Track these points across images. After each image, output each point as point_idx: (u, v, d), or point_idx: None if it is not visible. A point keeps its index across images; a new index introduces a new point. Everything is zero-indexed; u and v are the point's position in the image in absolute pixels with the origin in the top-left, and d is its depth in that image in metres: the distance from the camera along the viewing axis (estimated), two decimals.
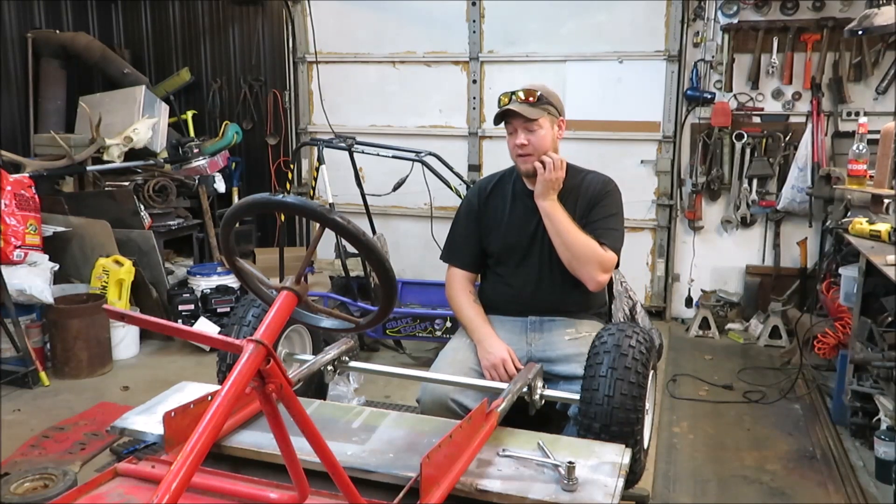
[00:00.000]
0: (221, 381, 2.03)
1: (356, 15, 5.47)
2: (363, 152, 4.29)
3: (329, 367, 2.27)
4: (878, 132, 3.48)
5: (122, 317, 1.45)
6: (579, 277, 2.35)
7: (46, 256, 4.17)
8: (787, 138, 4.81)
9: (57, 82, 5.46)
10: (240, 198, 5.82)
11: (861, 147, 3.44)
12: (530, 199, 2.40)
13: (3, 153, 4.40)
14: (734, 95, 4.86)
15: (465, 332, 2.48)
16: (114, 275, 4.27)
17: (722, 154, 4.91)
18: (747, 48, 4.79)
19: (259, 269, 1.98)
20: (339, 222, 1.44)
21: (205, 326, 4.38)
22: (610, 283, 2.55)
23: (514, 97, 2.34)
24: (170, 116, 5.63)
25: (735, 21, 4.77)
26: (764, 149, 4.86)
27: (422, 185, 4.31)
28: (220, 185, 5.41)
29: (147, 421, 1.93)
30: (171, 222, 5.02)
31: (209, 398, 1.78)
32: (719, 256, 5.13)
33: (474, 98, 5.33)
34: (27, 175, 4.33)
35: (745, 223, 5.01)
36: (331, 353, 2.27)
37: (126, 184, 4.83)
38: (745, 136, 4.83)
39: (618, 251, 2.39)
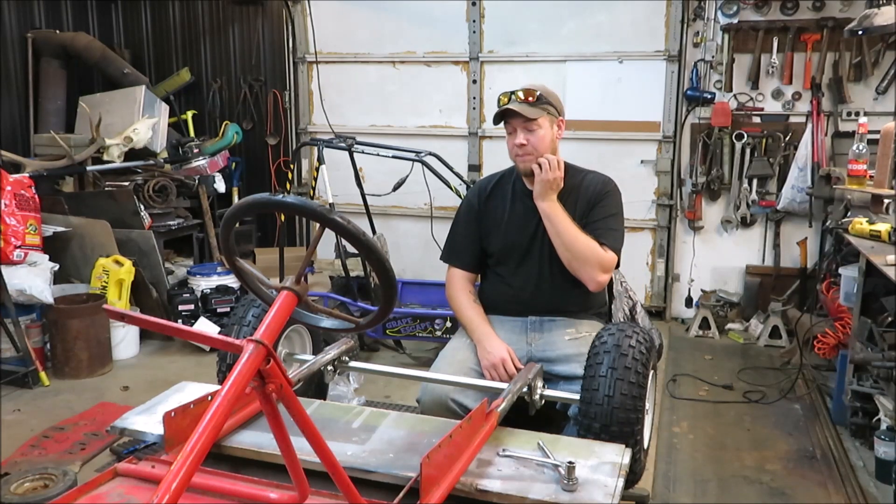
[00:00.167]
0: (221, 381, 2.03)
1: (356, 15, 5.47)
2: (363, 152, 4.29)
3: (329, 367, 2.27)
4: (878, 132, 3.48)
5: (122, 317, 1.45)
6: (579, 278, 2.35)
7: (46, 256, 4.16)
8: (787, 138, 4.81)
9: (57, 82, 5.46)
10: (240, 198, 5.82)
11: (861, 147, 3.44)
12: (530, 199, 2.40)
13: (3, 153, 4.40)
14: (734, 95, 4.86)
15: (465, 332, 2.48)
16: (114, 275, 4.27)
17: (722, 154, 4.91)
18: (747, 48, 4.79)
19: (259, 269, 1.99)
20: (339, 222, 1.44)
21: (205, 326, 4.38)
22: (610, 283, 2.55)
23: (513, 97, 2.35)
24: (170, 116, 5.63)
25: (735, 21, 4.77)
26: (764, 149, 4.86)
27: (422, 185, 4.31)
28: (220, 185, 5.41)
29: (147, 421, 1.93)
30: (171, 222, 5.02)
31: (209, 398, 1.78)
32: (719, 256, 5.13)
33: (474, 98, 5.33)
34: (27, 175, 4.33)
35: (745, 223, 5.01)
36: (331, 353, 2.27)
37: (126, 184, 4.83)
38: (745, 136, 4.83)
39: (618, 251, 2.39)
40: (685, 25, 4.83)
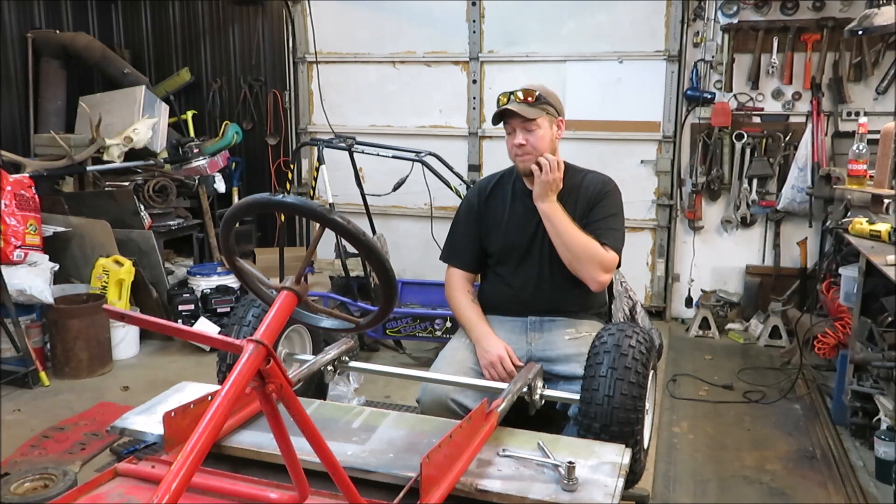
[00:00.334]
0: (221, 381, 2.03)
1: (356, 15, 5.47)
2: (363, 152, 4.29)
3: (329, 367, 2.26)
4: (878, 132, 3.47)
5: (122, 317, 1.45)
6: (581, 278, 2.35)
7: (46, 256, 4.17)
8: (787, 138, 4.81)
9: (57, 82, 5.46)
10: (240, 198, 5.82)
11: (861, 147, 3.44)
12: (530, 199, 2.40)
13: (3, 153, 4.40)
14: (734, 95, 4.86)
15: (464, 331, 2.48)
16: (114, 275, 4.27)
17: (722, 154, 4.91)
18: (747, 48, 4.79)
19: (259, 269, 1.99)
20: (339, 222, 1.44)
21: (205, 326, 4.38)
22: (610, 284, 2.54)
23: (512, 97, 2.34)
24: (170, 116, 5.62)
25: (735, 21, 4.77)
26: (764, 149, 4.86)
27: (422, 185, 4.31)
28: (220, 185, 5.41)
29: (147, 421, 1.93)
30: (171, 222, 5.02)
31: (209, 398, 1.78)
32: (719, 256, 5.13)
33: (474, 98, 5.33)
34: (27, 175, 4.33)
35: (745, 223, 5.01)
36: (331, 353, 2.27)
37: (126, 184, 4.83)
38: (745, 136, 4.83)
39: (619, 251, 2.39)
40: (685, 25, 4.83)
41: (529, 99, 2.34)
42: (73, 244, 4.49)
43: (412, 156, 4.23)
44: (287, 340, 2.41)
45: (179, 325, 1.54)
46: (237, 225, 1.65)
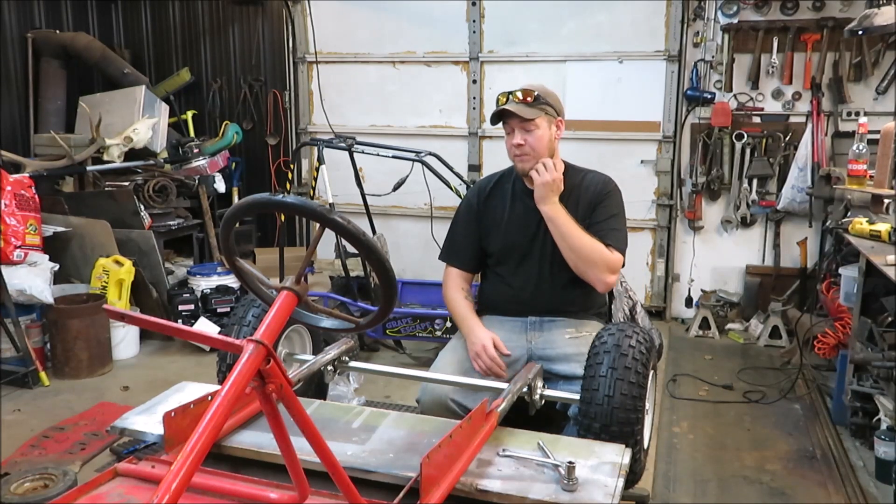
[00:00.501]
0: (221, 381, 2.03)
1: (356, 15, 5.47)
2: (363, 152, 4.29)
3: (329, 367, 2.27)
4: (878, 132, 3.47)
5: (122, 317, 1.45)
6: (587, 280, 2.35)
7: (46, 256, 4.16)
8: (787, 138, 4.81)
9: (57, 82, 5.46)
10: (240, 198, 5.82)
11: (861, 147, 3.44)
12: (530, 199, 2.39)
13: (3, 153, 4.40)
14: (734, 95, 4.86)
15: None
16: (114, 275, 4.27)
17: (722, 154, 4.91)
18: (747, 48, 4.79)
19: (259, 269, 1.99)
20: (339, 222, 1.44)
21: (205, 326, 4.38)
22: None
23: (511, 97, 2.34)
24: (170, 116, 5.63)
25: (735, 21, 4.77)
26: (764, 149, 4.86)
27: (422, 185, 4.31)
28: (220, 185, 5.41)
29: (147, 421, 1.93)
30: (171, 222, 5.01)
31: (209, 398, 1.78)
32: (719, 256, 5.13)
33: (474, 98, 5.33)
34: (27, 175, 4.33)
35: (745, 223, 5.01)
36: (331, 353, 2.27)
37: (126, 184, 4.83)
38: (745, 136, 4.83)
39: (623, 251, 2.38)
40: (685, 25, 4.83)
41: (528, 99, 2.33)
42: (73, 244, 4.49)
43: (412, 156, 4.23)
44: (287, 340, 2.41)
45: (179, 325, 1.54)
46: (237, 225, 1.65)
